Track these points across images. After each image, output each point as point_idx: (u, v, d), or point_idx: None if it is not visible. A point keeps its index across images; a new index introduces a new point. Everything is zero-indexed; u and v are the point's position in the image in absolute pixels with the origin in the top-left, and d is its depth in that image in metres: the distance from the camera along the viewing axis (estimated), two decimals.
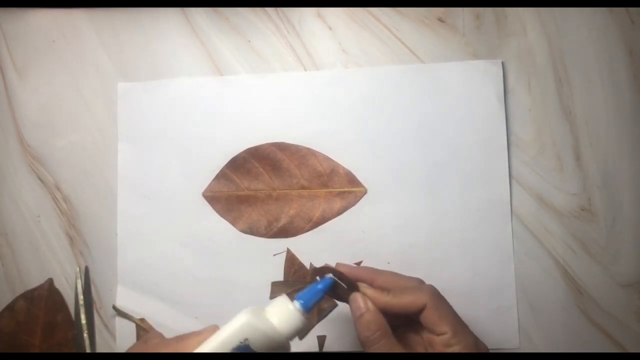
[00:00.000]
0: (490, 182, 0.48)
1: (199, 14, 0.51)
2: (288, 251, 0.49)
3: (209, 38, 0.51)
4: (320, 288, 0.38)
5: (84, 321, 0.49)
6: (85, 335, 0.49)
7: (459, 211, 0.48)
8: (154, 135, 0.51)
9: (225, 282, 0.49)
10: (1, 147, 0.52)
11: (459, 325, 0.38)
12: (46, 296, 0.49)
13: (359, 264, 0.48)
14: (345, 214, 0.49)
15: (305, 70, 0.50)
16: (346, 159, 0.49)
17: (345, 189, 0.49)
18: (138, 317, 0.49)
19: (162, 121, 0.51)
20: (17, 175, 0.51)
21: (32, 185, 0.51)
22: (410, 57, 0.50)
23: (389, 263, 0.48)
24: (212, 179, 0.50)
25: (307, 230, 0.49)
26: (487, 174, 0.48)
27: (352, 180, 0.49)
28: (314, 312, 0.48)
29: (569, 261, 0.48)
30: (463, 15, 0.50)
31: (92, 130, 0.51)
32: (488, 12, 0.50)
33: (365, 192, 0.49)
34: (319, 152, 0.49)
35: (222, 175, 0.50)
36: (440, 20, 0.50)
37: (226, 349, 0.34)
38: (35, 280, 0.50)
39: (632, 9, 0.49)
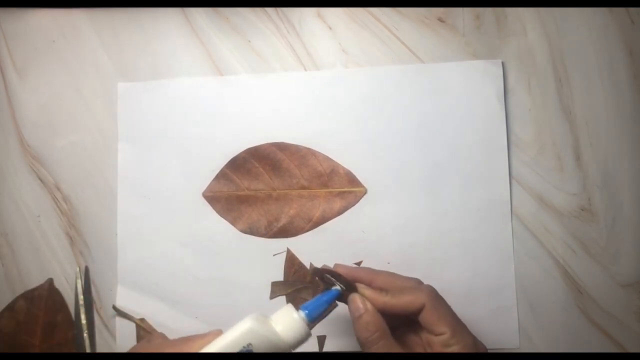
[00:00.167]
0: (490, 182, 0.48)
1: (199, 14, 0.51)
2: (288, 251, 0.49)
3: (209, 38, 0.51)
4: (326, 300, 0.38)
5: (84, 321, 0.49)
6: (85, 335, 0.49)
7: (459, 211, 0.48)
8: (154, 135, 0.51)
9: (225, 282, 0.49)
10: (1, 147, 0.52)
11: (458, 325, 0.38)
12: (46, 296, 0.49)
13: (359, 264, 0.48)
14: (345, 214, 0.49)
15: (305, 70, 0.51)
16: (346, 159, 0.49)
17: (345, 189, 0.49)
18: (138, 317, 0.49)
19: (162, 121, 0.51)
20: (17, 175, 0.51)
21: (32, 185, 0.51)
22: (410, 57, 0.50)
23: (389, 263, 0.48)
24: (212, 179, 0.50)
25: (307, 230, 0.49)
26: (487, 174, 0.48)
27: (352, 180, 0.49)
28: None
29: (569, 261, 0.48)
30: (463, 15, 0.50)
31: (92, 130, 0.51)
32: (488, 12, 0.50)
33: (365, 192, 0.49)
34: (319, 152, 0.49)
35: (222, 175, 0.50)
36: (440, 20, 0.50)
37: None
38: (35, 280, 0.50)
39: (632, 9, 0.49)
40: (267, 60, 0.51)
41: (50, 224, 0.51)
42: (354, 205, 0.49)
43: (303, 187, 0.50)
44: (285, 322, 0.36)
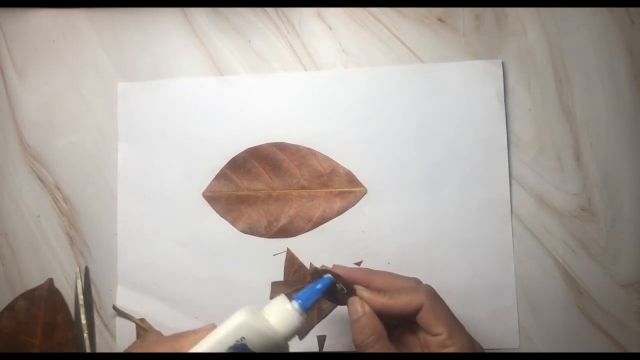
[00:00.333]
0: (490, 182, 0.48)
1: (199, 14, 0.51)
2: (288, 251, 0.49)
3: (209, 38, 0.51)
4: (319, 288, 0.38)
5: (84, 321, 0.49)
6: (85, 335, 0.49)
7: (459, 211, 0.48)
8: (154, 135, 0.51)
9: (225, 282, 0.49)
10: (1, 147, 0.52)
11: (455, 326, 0.38)
12: (46, 296, 0.49)
13: (359, 264, 0.48)
14: (345, 214, 0.49)
15: (305, 70, 0.50)
16: (346, 159, 0.49)
17: (345, 189, 0.49)
18: (138, 317, 0.49)
19: (162, 121, 0.51)
20: (17, 175, 0.51)
21: (32, 185, 0.51)
22: (410, 57, 0.50)
23: (389, 263, 0.48)
24: (212, 179, 0.50)
25: (307, 230, 0.49)
26: (487, 174, 0.48)
27: (352, 180, 0.49)
28: (314, 313, 0.48)
29: (569, 261, 0.48)
30: (463, 15, 0.50)
31: (92, 130, 0.51)
32: (488, 12, 0.50)
33: (365, 192, 0.49)
34: (319, 152, 0.49)
35: (222, 175, 0.50)
36: (440, 20, 0.50)
37: (223, 347, 0.34)
38: (35, 280, 0.50)
39: (632, 9, 0.49)
40: (267, 60, 0.51)
41: (50, 224, 0.51)
42: (354, 205, 0.49)
43: (303, 187, 0.50)
44: (279, 314, 0.36)
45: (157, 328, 0.49)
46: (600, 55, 0.49)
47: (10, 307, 0.49)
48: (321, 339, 0.48)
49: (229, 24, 0.51)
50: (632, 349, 0.47)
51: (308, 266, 0.49)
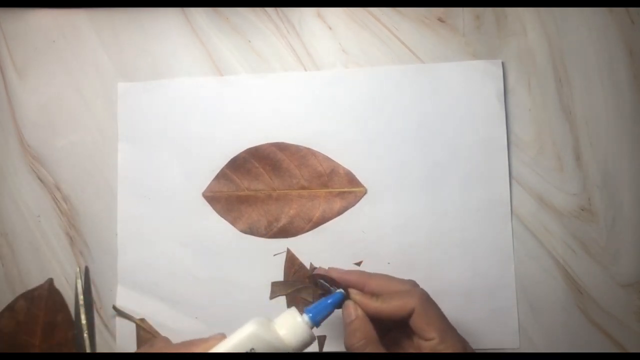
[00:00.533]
0: (490, 182, 0.48)
1: (199, 14, 0.51)
2: (288, 251, 0.49)
3: (209, 38, 0.51)
4: (330, 302, 0.39)
5: (84, 321, 0.49)
6: (85, 335, 0.49)
7: (459, 211, 0.48)
8: (154, 135, 0.51)
9: (225, 282, 0.49)
10: (1, 147, 0.52)
11: (447, 330, 0.38)
12: (46, 296, 0.49)
13: (359, 264, 0.48)
14: (345, 214, 0.49)
15: (305, 70, 0.50)
16: (346, 159, 0.49)
17: (345, 189, 0.49)
18: (138, 317, 0.49)
19: (162, 121, 0.51)
20: (17, 175, 0.51)
21: (32, 185, 0.51)
22: (410, 57, 0.50)
23: (389, 263, 0.48)
24: (212, 179, 0.50)
25: (307, 231, 0.49)
26: (487, 174, 0.48)
27: (352, 180, 0.49)
28: None
29: (569, 261, 0.48)
30: (463, 15, 0.50)
31: (92, 130, 0.51)
32: (488, 12, 0.50)
33: (365, 192, 0.49)
34: (319, 152, 0.49)
35: (222, 175, 0.50)
36: (440, 20, 0.50)
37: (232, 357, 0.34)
38: (35, 280, 0.50)
39: (632, 9, 0.49)
40: (267, 60, 0.51)
41: (50, 224, 0.51)
42: (354, 205, 0.49)
43: (303, 187, 0.50)
44: (289, 326, 0.36)
45: (157, 328, 0.49)
46: (600, 55, 0.49)
47: (10, 307, 0.49)
48: (321, 339, 0.48)
49: (229, 24, 0.51)
50: (632, 349, 0.47)
51: (308, 266, 0.49)
